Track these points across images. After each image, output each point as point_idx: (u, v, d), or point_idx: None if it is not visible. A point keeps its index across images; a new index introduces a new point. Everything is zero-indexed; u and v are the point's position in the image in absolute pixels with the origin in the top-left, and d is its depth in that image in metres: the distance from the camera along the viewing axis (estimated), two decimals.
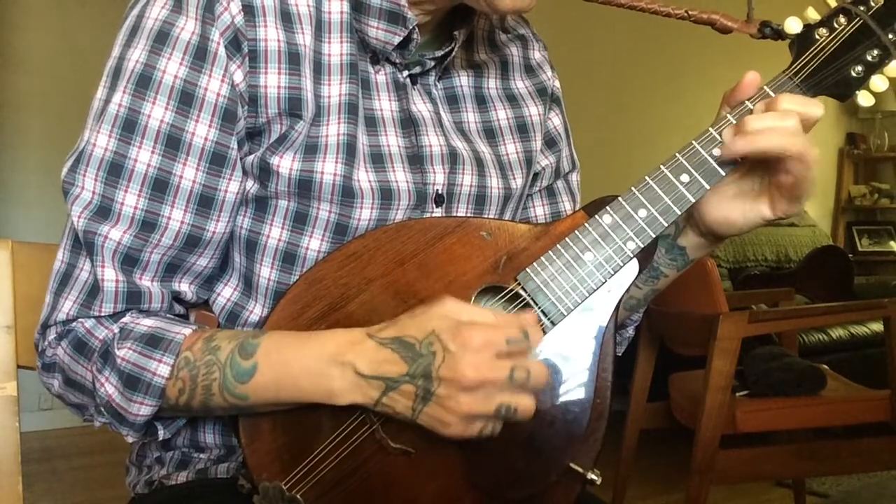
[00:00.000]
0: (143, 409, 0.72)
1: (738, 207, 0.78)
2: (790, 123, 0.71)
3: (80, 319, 0.75)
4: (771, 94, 0.74)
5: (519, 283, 0.73)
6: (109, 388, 0.72)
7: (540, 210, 0.95)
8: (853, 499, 2.60)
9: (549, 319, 0.72)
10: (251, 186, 0.77)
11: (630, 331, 0.95)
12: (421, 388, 0.65)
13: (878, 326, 3.16)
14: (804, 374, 2.06)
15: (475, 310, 0.67)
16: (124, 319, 0.74)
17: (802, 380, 2.05)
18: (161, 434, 0.76)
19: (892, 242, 5.37)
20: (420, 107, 0.83)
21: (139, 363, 0.71)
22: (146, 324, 0.74)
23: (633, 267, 0.74)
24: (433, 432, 0.66)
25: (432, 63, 0.83)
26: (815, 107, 0.73)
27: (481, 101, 0.88)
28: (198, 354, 0.71)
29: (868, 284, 4.32)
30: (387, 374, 0.65)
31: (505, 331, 0.65)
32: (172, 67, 0.72)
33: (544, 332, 0.72)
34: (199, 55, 0.72)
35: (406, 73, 0.82)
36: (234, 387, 0.70)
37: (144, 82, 0.73)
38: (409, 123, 0.81)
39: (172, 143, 0.73)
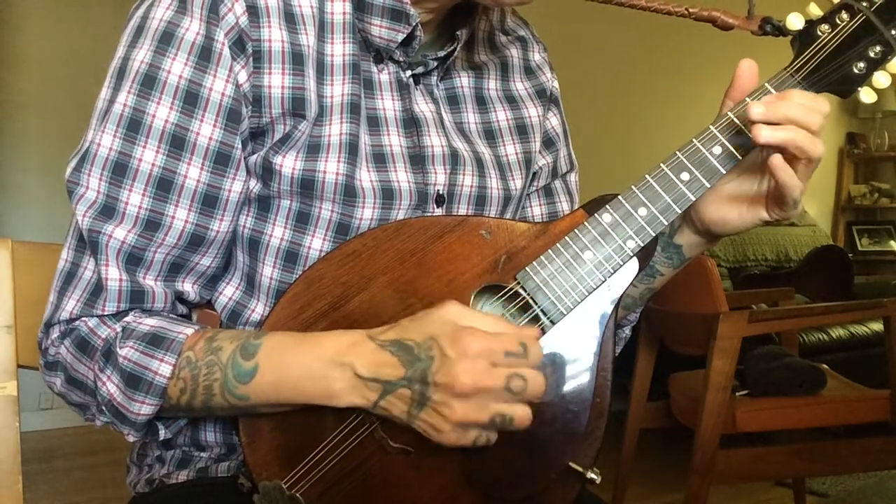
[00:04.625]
0: (144, 408, 0.72)
1: (734, 209, 0.78)
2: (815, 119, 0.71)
3: (83, 318, 0.75)
4: (772, 90, 0.74)
5: (518, 283, 0.72)
6: (111, 386, 0.72)
7: (537, 210, 0.95)
8: (853, 499, 2.61)
9: (548, 318, 0.72)
10: (254, 186, 0.78)
11: (627, 331, 0.95)
12: (417, 393, 0.64)
13: (878, 326, 3.17)
14: (804, 373, 2.06)
15: (478, 315, 0.66)
16: (127, 319, 0.74)
17: (802, 379, 2.05)
18: (162, 434, 0.76)
19: (892, 242, 5.37)
20: (423, 107, 0.83)
21: (141, 362, 0.71)
22: (149, 323, 0.74)
23: (632, 266, 0.73)
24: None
25: (435, 63, 0.83)
26: (824, 104, 0.72)
27: (481, 101, 0.89)
28: (199, 354, 0.71)
29: (868, 284, 4.33)
30: (385, 377, 0.65)
31: (505, 341, 0.64)
32: (177, 68, 0.72)
33: (544, 332, 0.72)
34: (204, 55, 0.73)
35: (409, 72, 0.82)
36: (235, 387, 0.70)
37: (149, 82, 0.73)
38: (411, 123, 0.81)
39: (177, 143, 0.73)
